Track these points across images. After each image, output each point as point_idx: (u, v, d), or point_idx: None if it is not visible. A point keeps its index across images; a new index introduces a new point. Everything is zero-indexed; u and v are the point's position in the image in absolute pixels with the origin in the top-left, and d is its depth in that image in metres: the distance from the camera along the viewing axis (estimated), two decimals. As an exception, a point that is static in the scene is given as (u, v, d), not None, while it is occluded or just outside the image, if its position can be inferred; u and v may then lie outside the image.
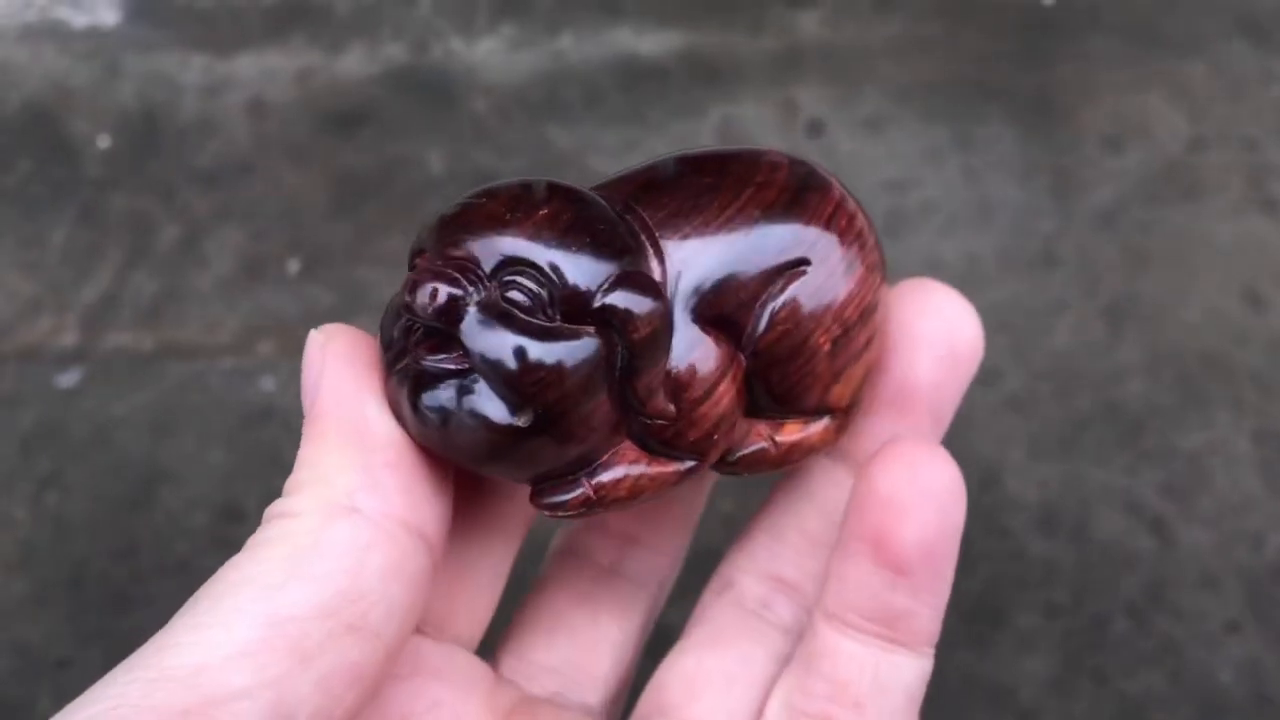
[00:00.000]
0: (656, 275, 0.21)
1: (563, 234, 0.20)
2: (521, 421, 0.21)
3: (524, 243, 0.21)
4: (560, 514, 0.22)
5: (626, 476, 0.22)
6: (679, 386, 0.21)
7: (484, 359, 0.20)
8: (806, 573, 0.25)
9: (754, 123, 0.77)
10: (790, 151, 0.26)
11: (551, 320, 0.20)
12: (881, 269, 0.25)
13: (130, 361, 0.62)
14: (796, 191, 0.24)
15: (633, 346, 0.20)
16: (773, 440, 0.23)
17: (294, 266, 0.67)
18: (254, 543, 0.20)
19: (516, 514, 0.27)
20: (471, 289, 0.20)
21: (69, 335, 0.63)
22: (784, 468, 0.24)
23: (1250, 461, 0.55)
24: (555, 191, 0.22)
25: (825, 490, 0.26)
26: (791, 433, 0.23)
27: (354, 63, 0.79)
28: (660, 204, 0.23)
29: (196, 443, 0.58)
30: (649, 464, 0.22)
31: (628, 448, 0.22)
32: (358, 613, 0.19)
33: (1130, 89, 0.74)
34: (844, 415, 0.24)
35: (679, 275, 0.22)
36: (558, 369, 0.20)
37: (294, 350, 0.62)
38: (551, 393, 0.20)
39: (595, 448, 0.22)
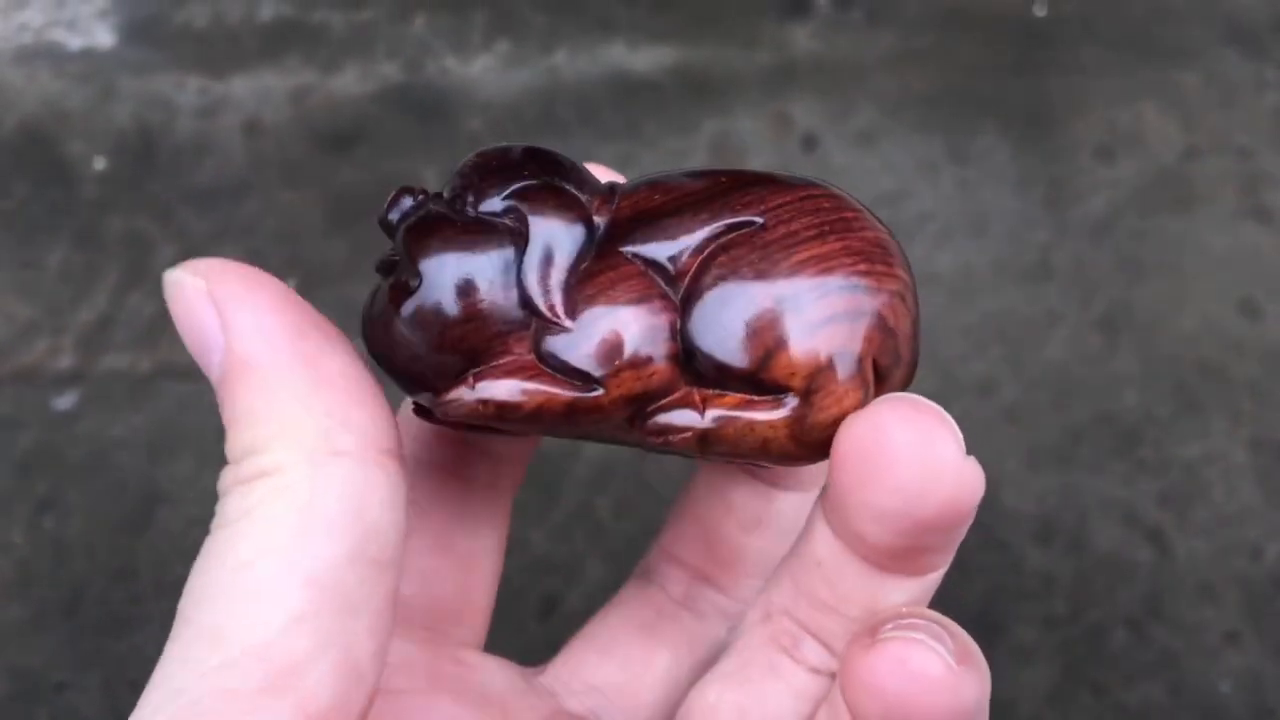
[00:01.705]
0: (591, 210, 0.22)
1: (505, 166, 0.22)
2: (413, 282, 0.21)
3: (473, 172, 0.22)
4: (448, 414, 0.22)
5: (511, 377, 0.21)
6: (579, 291, 0.21)
7: (399, 227, 0.22)
8: (824, 629, 0.24)
9: (748, 137, 0.77)
10: (785, 166, 0.25)
11: None
12: (875, 272, 0.21)
13: (127, 383, 0.62)
14: (770, 177, 0.22)
15: (528, 242, 0.21)
16: (703, 406, 0.20)
17: (291, 285, 0.67)
18: (240, 512, 0.19)
19: (499, 501, 0.28)
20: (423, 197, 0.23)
21: (66, 357, 0.63)
22: (713, 448, 0.21)
23: (1247, 471, 0.55)
24: (528, 151, 0.23)
25: (832, 563, 0.24)
26: (727, 405, 0.20)
27: (349, 82, 0.80)
28: (641, 188, 0.23)
29: (194, 463, 0.58)
30: (536, 377, 0.21)
31: (526, 358, 0.21)
32: (376, 548, 0.19)
33: (1123, 98, 0.75)
34: (804, 404, 0.20)
35: (617, 213, 0.22)
36: (438, 228, 0.21)
37: (291, 370, 0.62)
38: (430, 248, 0.21)
39: (485, 345, 0.21)
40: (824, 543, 0.22)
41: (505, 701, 0.25)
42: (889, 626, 0.20)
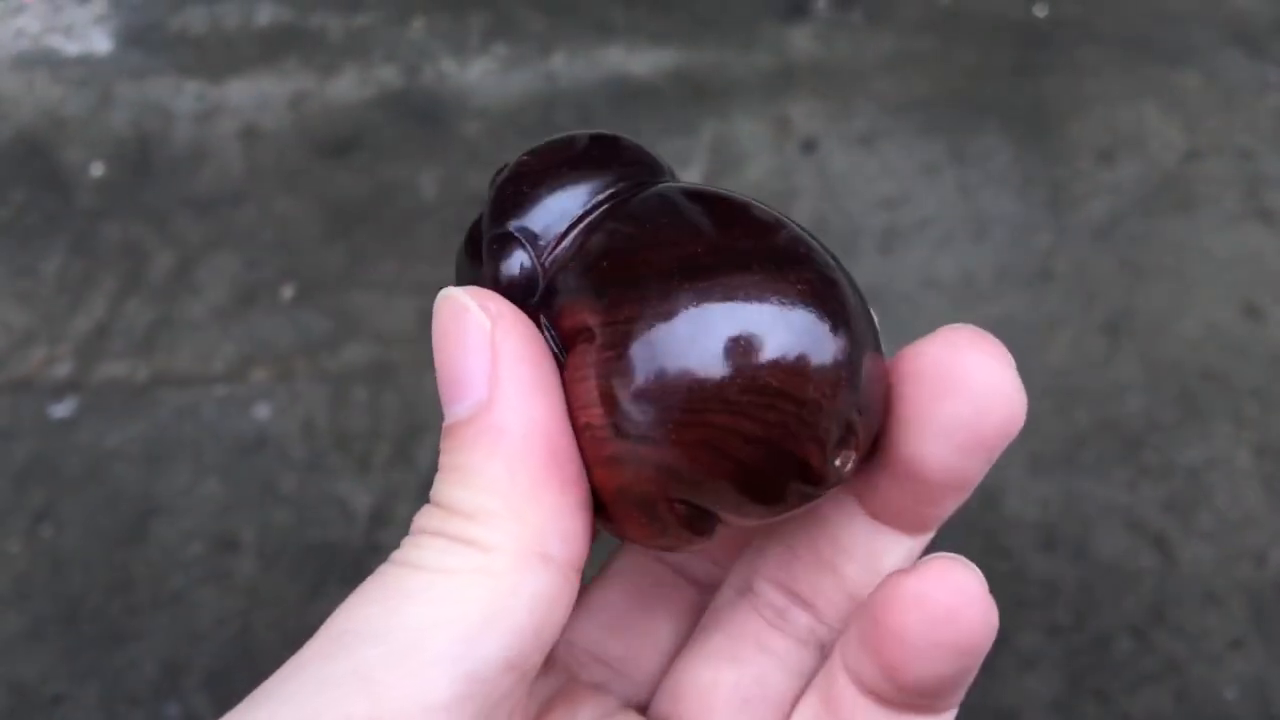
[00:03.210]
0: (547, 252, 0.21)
1: (508, 180, 0.22)
2: None
3: (503, 186, 0.22)
4: None
5: None
6: None
7: None
8: (819, 591, 0.24)
9: (747, 140, 0.77)
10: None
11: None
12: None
13: (124, 392, 0.61)
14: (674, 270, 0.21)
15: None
16: None
17: (288, 293, 0.67)
18: (440, 569, 0.19)
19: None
20: None
21: (63, 366, 0.63)
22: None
23: (1252, 476, 0.55)
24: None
25: (836, 518, 0.24)
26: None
27: (346, 86, 0.79)
28: (601, 230, 0.22)
29: (190, 474, 0.58)
30: None
31: None
32: (534, 661, 0.20)
33: (1124, 100, 0.74)
34: (608, 518, 0.21)
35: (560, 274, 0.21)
36: (463, 256, 0.22)
37: (287, 377, 0.62)
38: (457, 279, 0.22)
39: None
40: (835, 503, 0.23)
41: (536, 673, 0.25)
42: (924, 559, 0.21)
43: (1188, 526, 0.54)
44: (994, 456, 0.21)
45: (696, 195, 0.22)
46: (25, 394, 0.62)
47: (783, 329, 0.20)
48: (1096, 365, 0.60)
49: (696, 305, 0.20)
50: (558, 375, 0.20)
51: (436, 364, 0.20)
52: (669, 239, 0.21)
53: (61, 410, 0.61)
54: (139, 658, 0.51)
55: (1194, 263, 0.64)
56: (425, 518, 0.20)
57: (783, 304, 0.20)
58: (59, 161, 0.76)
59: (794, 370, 0.20)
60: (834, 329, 0.20)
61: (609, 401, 0.20)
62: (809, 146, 0.75)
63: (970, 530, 0.54)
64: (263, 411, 0.60)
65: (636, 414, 0.20)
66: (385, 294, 0.67)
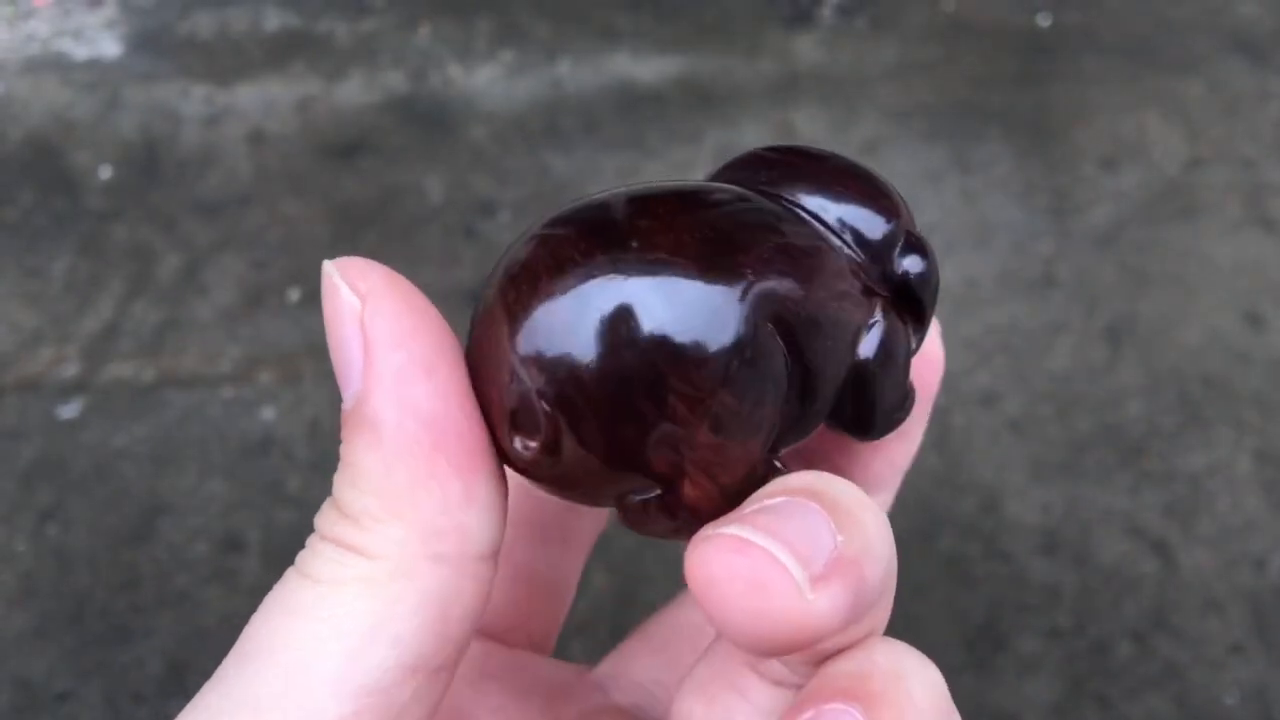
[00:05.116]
0: None
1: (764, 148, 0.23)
2: None
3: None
4: None
5: None
6: None
7: None
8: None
9: (752, 147, 0.77)
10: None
11: None
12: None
13: (131, 392, 0.62)
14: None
15: None
16: None
17: (294, 295, 0.67)
18: (330, 580, 0.18)
19: (587, 522, 0.27)
20: None
21: (70, 366, 0.63)
22: None
23: (1252, 482, 0.55)
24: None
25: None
26: None
27: (353, 91, 0.80)
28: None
29: (197, 474, 0.58)
30: None
31: None
32: (440, 659, 0.19)
33: (1127, 109, 0.74)
34: None
35: None
36: None
37: (294, 379, 0.62)
38: None
39: None
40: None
41: (552, 693, 0.25)
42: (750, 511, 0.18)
43: (1188, 532, 0.54)
44: (828, 644, 0.18)
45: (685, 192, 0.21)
46: (33, 394, 0.62)
47: (530, 267, 0.18)
48: (1098, 371, 0.60)
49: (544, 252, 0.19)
50: (454, 348, 0.19)
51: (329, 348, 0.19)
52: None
53: (69, 410, 0.61)
54: (144, 656, 0.51)
55: (1196, 270, 0.65)
56: (322, 518, 0.19)
57: (558, 259, 0.18)
58: (68, 164, 0.76)
59: (503, 306, 0.18)
60: (574, 300, 0.17)
61: None
62: (813, 153, 0.75)
63: (970, 534, 0.55)
64: (269, 413, 0.61)
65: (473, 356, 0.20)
66: (391, 297, 0.67)
